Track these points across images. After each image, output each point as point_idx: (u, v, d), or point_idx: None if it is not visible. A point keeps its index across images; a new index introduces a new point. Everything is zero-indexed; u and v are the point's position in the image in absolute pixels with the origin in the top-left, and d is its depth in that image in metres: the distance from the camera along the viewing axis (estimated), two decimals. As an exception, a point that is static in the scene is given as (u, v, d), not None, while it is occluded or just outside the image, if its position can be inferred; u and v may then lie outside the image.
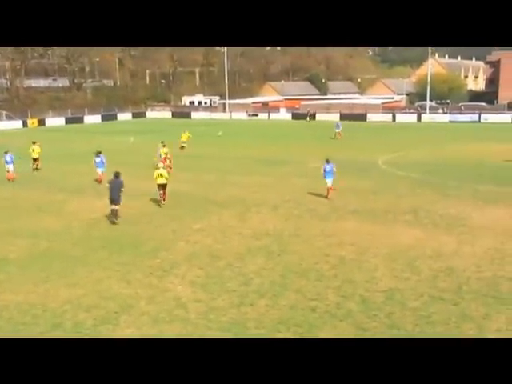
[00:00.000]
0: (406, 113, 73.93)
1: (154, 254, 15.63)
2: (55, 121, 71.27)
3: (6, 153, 29.33)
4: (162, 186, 21.80)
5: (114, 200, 19.26)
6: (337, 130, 48.38)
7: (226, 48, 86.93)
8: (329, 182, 22.83)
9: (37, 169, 32.12)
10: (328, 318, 11.15)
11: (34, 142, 32.67)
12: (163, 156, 29.93)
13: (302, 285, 13.05)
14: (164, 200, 22.00)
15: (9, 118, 70.66)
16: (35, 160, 32.11)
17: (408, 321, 10.87)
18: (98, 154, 27.77)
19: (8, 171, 28.75)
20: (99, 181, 26.59)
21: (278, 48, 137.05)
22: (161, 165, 23.28)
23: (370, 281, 13.23)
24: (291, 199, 22.65)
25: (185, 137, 41.53)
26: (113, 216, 19.39)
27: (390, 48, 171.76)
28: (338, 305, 11.81)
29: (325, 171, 22.78)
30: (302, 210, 20.84)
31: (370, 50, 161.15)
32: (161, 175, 21.77)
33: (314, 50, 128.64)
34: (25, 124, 68.46)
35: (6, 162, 28.84)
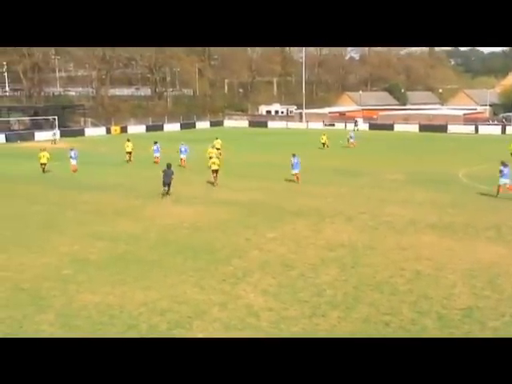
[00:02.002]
0: (489, 124, 70.91)
1: (228, 261, 15.77)
2: (136, 128, 73.85)
3: (71, 149, 35.41)
4: (215, 171, 28.65)
5: (167, 184, 25.28)
6: (351, 140, 49.76)
7: (304, 57, 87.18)
8: (295, 171, 29.60)
9: (130, 160, 39.39)
10: (402, 333, 10.79)
11: (128, 140, 40.83)
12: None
13: (376, 298, 12.75)
14: (216, 181, 28.69)
15: (94, 125, 73.97)
16: (129, 153, 39.61)
17: (488, 342, 10.35)
18: (155, 143, 38.81)
19: (72, 164, 34.63)
20: (156, 163, 36.79)
21: (357, 58, 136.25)
22: (214, 155, 30.63)
23: (448, 297, 12.72)
24: (366, 211, 22.24)
25: (324, 138, 48.27)
26: (164, 195, 25.37)
27: (473, 57, 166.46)
28: (412, 321, 11.43)
29: (292, 164, 29.68)
30: (377, 222, 20.40)
31: (452, 60, 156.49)
32: (214, 163, 28.93)
33: (393, 59, 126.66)
34: (108, 131, 71.36)
35: (71, 157, 34.61)
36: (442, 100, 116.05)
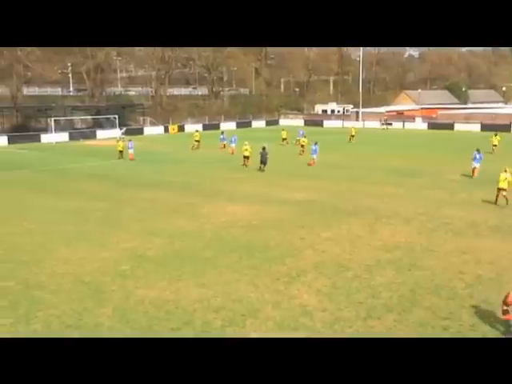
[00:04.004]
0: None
1: (282, 260, 15.76)
2: (193, 127, 74.71)
3: (129, 141, 42.89)
4: (247, 157, 35.39)
5: (264, 162, 33.20)
6: (298, 138, 48.43)
7: (361, 56, 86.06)
8: (314, 156, 36.26)
9: (197, 148, 47.65)
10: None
11: (196, 130, 52.13)
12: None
13: (434, 302, 12.44)
14: (247, 166, 35.19)
15: (152, 123, 75.47)
16: (197, 141, 48.06)
17: (553, 351, 9.90)
18: (222, 132, 50.65)
19: (130, 153, 41.32)
20: (221, 147, 47.39)
21: (416, 56, 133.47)
22: (246, 142, 36.50)
23: (510, 303, 12.25)
24: (424, 212, 21.73)
25: (353, 131, 55.09)
26: (262, 170, 33.15)
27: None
28: (472, 326, 11.08)
29: (312, 149, 36.62)
30: (436, 223, 19.90)
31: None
32: (246, 150, 35.42)
33: (454, 57, 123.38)
34: (166, 130, 72.63)
35: (129, 147, 41.39)
36: (506, 98, 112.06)
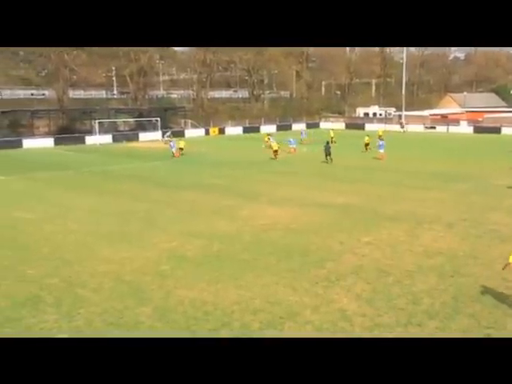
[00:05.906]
0: None
1: (321, 263, 15.64)
2: (234, 130, 75.31)
3: (170, 141, 48.35)
4: (276, 151, 41.76)
5: (328, 154, 38.77)
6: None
7: (405, 58, 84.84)
8: (381, 151, 40.63)
9: (268, 147, 48.69)
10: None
11: (268, 134, 54.67)
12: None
13: (477, 310, 12.11)
14: (276, 158, 41.48)
15: (194, 126, 76.21)
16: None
17: None
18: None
19: (172, 151, 46.14)
20: (292, 151, 47.01)
21: (462, 57, 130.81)
22: (274, 140, 44.69)
23: (558, 313, 11.84)
24: (469, 218, 21.21)
25: (367, 139, 50.69)
26: (327, 162, 38.72)
27: None
28: (517, 336, 10.75)
29: (379, 145, 41.19)
30: (480, 230, 19.40)
31: None
32: (275, 145, 42.18)
33: (502, 59, 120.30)
34: (207, 132, 73.28)
35: (170, 146, 46.61)
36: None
